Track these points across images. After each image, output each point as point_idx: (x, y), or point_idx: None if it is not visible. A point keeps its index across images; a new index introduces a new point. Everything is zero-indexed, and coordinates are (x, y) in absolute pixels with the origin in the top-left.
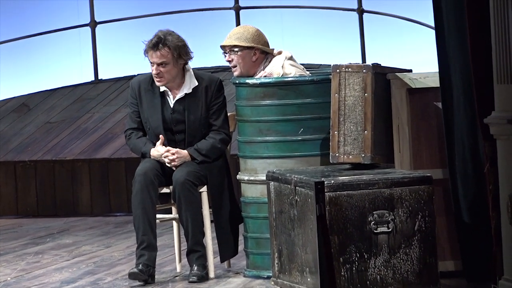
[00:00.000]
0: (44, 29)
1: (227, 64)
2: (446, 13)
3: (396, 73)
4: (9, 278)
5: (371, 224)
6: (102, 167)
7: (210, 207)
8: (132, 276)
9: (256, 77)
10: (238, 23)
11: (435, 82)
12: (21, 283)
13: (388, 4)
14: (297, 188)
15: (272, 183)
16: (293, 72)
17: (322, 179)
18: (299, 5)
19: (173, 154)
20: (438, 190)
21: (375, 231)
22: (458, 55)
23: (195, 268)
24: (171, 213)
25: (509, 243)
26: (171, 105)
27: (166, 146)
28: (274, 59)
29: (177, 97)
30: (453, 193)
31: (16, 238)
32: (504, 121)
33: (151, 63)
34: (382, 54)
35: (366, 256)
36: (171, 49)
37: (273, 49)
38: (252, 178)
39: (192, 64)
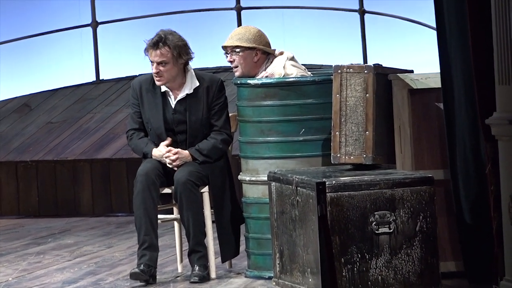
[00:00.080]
0: (46, 29)
1: (229, 64)
2: (448, 14)
3: (398, 74)
4: (10, 279)
5: (373, 224)
6: (104, 167)
7: (211, 208)
8: (133, 276)
9: (257, 77)
10: (239, 24)
11: (436, 83)
12: (22, 284)
13: (390, 5)
14: (298, 188)
15: (273, 183)
16: (294, 73)
17: (324, 179)
18: (301, 6)
19: (174, 154)
20: (439, 190)
21: (376, 232)
22: (460, 56)
23: (197, 268)
24: (172, 213)
25: (511, 244)
26: (173, 106)
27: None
28: (275, 60)
29: (178, 97)
30: (454, 194)
31: (17, 238)
32: (505, 121)
33: (151, 62)
34: (383, 55)
35: (367, 257)
36: (171, 48)
37: (274, 50)
38: (253, 178)
39: (193, 64)
